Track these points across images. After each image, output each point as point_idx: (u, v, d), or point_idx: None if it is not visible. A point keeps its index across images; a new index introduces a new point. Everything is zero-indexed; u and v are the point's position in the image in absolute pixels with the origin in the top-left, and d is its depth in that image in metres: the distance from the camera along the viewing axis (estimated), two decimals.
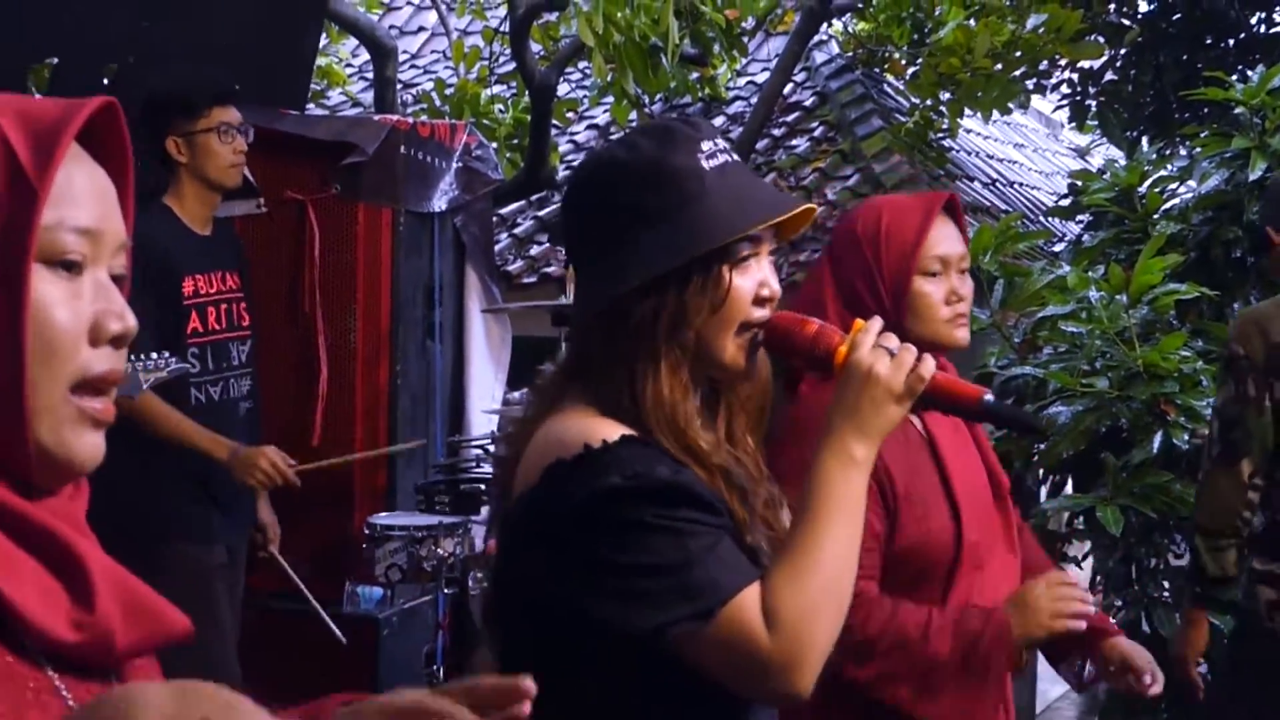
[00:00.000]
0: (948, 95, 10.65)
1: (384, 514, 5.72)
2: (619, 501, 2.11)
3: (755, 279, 2.26)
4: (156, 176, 5.11)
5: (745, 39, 11.48)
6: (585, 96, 13.04)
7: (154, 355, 4.56)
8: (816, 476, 2.20)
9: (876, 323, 2.30)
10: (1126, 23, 11.77)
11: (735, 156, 2.30)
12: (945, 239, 3.23)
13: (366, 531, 5.51)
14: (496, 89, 11.95)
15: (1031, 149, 15.58)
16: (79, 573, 1.38)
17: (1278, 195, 4.87)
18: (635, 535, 2.10)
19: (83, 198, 1.44)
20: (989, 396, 2.34)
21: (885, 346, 2.26)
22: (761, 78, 12.55)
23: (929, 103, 10.95)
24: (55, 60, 7.13)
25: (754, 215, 2.25)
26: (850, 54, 12.83)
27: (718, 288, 2.22)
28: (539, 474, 2.19)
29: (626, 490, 2.11)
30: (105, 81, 6.83)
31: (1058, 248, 9.54)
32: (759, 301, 2.26)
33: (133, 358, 4.49)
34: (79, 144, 1.45)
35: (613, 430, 2.17)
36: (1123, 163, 8.27)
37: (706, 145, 2.25)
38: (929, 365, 2.26)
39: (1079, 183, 8.00)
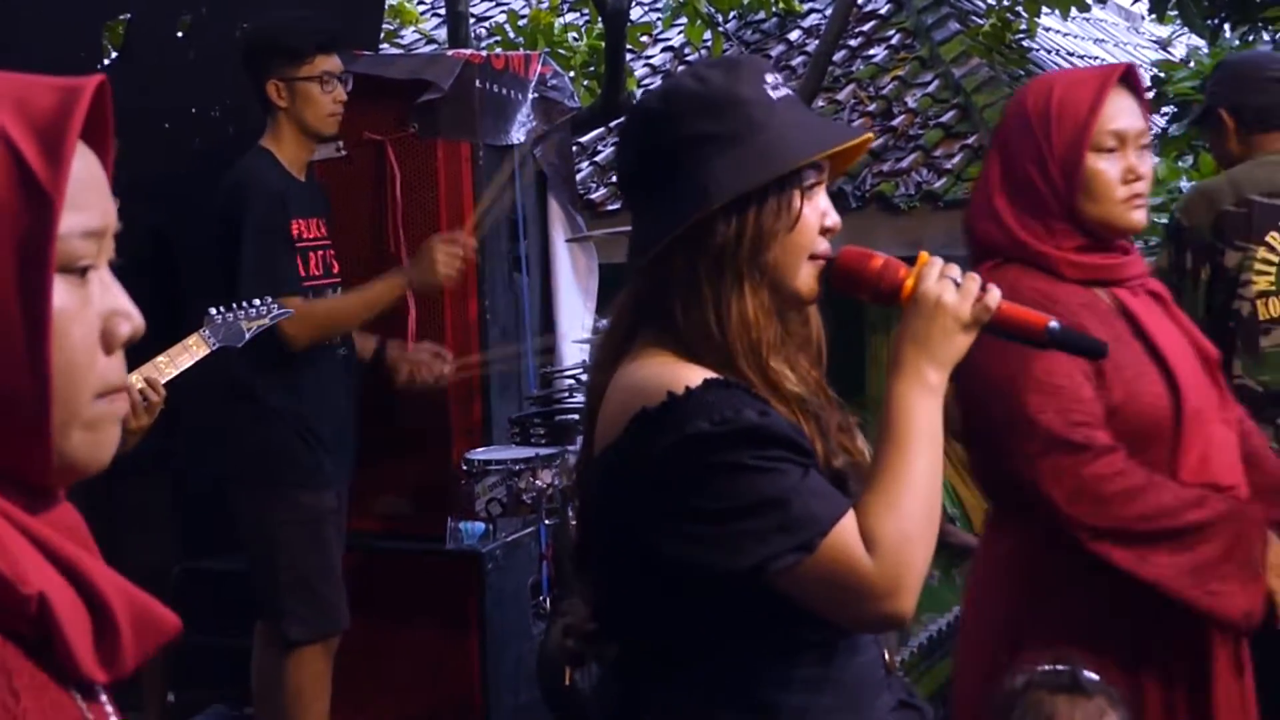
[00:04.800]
0: None
1: (481, 449, 5.73)
2: (709, 447, 2.12)
3: (819, 209, 2.29)
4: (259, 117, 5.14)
5: None
6: (659, 19, 12.98)
7: (255, 303, 4.56)
8: (897, 405, 2.23)
9: (938, 259, 2.31)
10: None
11: (792, 91, 2.33)
12: (1123, 112, 3.12)
13: (464, 467, 5.52)
14: (569, 17, 11.92)
15: (1112, 44, 15.40)
16: (103, 608, 1.33)
17: (1232, 74, 4.93)
18: (729, 478, 2.11)
19: (87, 195, 1.36)
20: (1054, 324, 2.33)
21: (950, 277, 2.28)
22: None
23: (1006, 3, 10.83)
24: (128, 16, 7.16)
25: (825, 140, 2.28)
26: None
27: (790, 211, 2.24)
28: (624, 424, 2.19)
29: (716, 435, 2.12)
30: (180, 35, 6.86)
31: None
32: (823, 231, 2.29)
33: (235, 306, 4.51)
34: None
35: (695, 375, 2.18)
36: (1205, 51, 8.17)
37: (770, 78, 2.28)
38: (995, 295, 2.29)
39: (1162, 74, 7.91)
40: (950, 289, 2.26)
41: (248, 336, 4.51)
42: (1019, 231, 3.09)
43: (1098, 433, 2.94)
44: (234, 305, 4.51)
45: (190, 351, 4.29)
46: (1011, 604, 3.15)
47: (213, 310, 4.46)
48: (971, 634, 3.35)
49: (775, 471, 2.11)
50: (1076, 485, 2.91)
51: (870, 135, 2.42)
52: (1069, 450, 2.91)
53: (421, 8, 14.19)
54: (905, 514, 2.14)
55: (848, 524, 2.12)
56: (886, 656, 2.37)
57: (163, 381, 4.12)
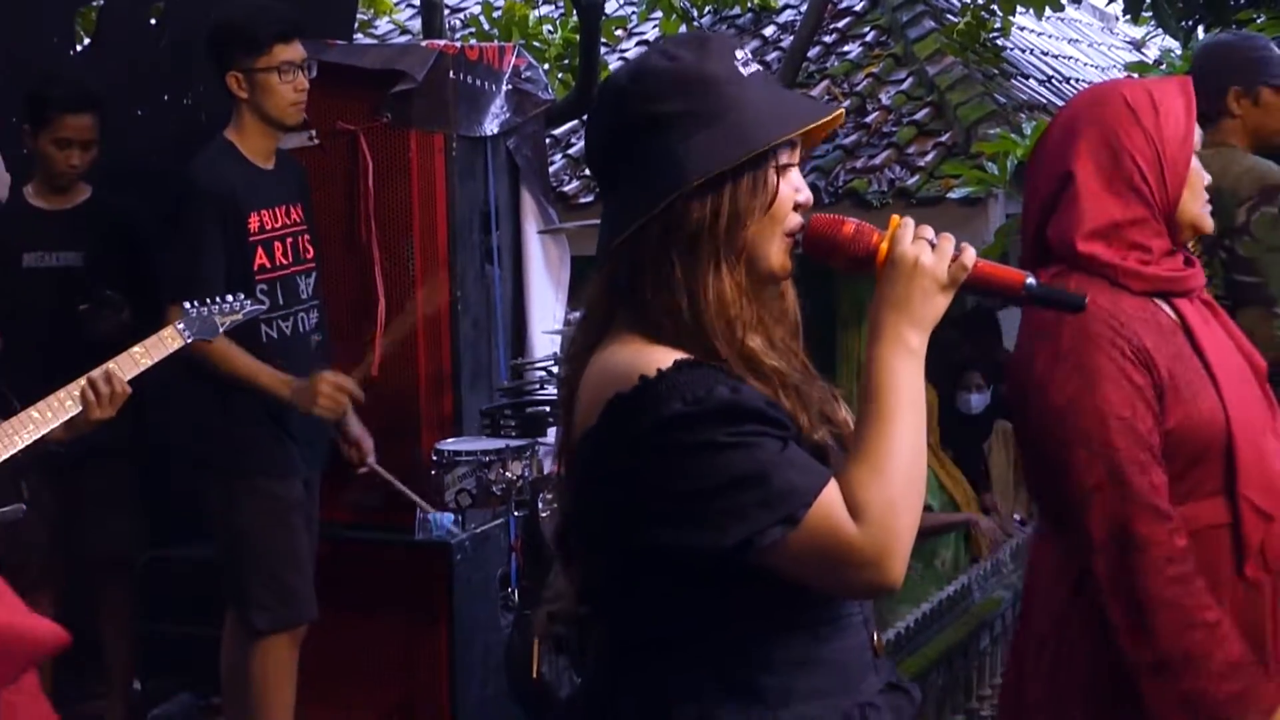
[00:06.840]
0: None
1: (451, 440, 5.72)
2: (685, 426, 2.11)
3: (792, 185, 2.28)
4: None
5: None
6: (633, 13, 12.99)
7: (229, 298, 4.55)
8: (879, 370, 2.21)
9: (909, 220, 2.30)
10: None
11: (761, 67, 2.31)
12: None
13: (434, 458, 5.51)
14: (544, 9, 11.92)
15: (1086, 44, 15.42)
16: None
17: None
18: (706, 457, 2.10)
19: None
20: (1031, 280, 2.32)
21: (925, 238, 2.27)
22: None
23: (980, 1, 10.84)
24: (100, 2, 7.14)
25: (799, 117, 2.27)
26: None
27: (767, 188, 2.22)
28: (599, 411, 2.18)
29: (690, 414, 2.11)
30: (152, 21, 6.84)
31: None
32: (796, 208, 2.28)
33: (209, 301, 4.50)
34: None
35: (665, 357, 2.16)
36: (1179, 52, 8.19)
37: (740, 54, 2.27)
38: (970, 254, 2.27)
39: (1135, 75, 7.91)
40: (926, 250, 2.25)
41: (221, 330, 4.52)
42: (1130, 232, 3.06)
43: (1155, 475, 2.92)
44: (209, 300, 4.51)
45: (165, 344, 4.29)
46: (1061, 612, 3.14)
47: (187, 304, 4.46)
48: (1025, 645, 3.33)
49: (752, 446, 2.10)
50: (1117, 531, 2.89)
51: (842, 110, 2.39)
52: (1124, 493, 2.90)
53: None
54: (890, 480, 2.12)
55: (830, 494, 2.11)
56: (875, 639, 2.36)
57: (138, 372, 4.12)
